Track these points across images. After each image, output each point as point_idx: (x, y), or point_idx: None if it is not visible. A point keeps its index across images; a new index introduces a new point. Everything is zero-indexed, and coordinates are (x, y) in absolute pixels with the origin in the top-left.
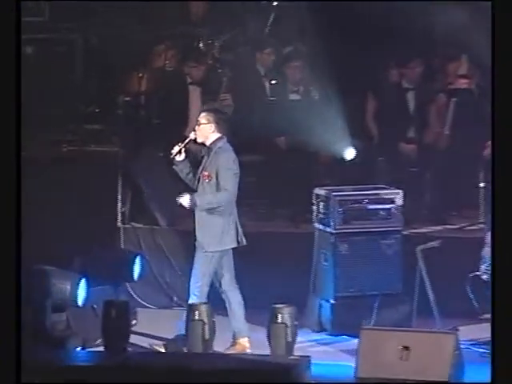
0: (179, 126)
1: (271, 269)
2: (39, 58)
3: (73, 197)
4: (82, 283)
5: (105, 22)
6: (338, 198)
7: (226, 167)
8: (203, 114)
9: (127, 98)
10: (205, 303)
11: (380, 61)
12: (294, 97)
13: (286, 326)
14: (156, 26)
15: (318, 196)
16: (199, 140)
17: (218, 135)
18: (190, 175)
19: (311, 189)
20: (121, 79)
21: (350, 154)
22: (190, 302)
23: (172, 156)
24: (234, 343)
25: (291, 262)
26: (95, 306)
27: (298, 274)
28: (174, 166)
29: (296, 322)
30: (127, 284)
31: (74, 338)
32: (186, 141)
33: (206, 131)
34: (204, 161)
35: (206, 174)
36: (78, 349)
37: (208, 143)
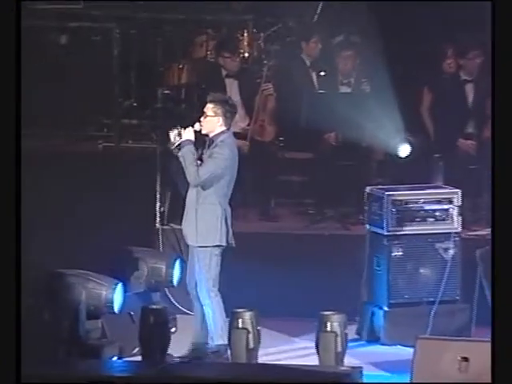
0: None
1: (319, 273)
2: (73, 48)
3: (108, 196)
4: (119, 288)
5: (143, 9)
6: (392, 198)
7: (216, 156)
8: (210, 106)
9: (167, 91)
10: (249, 310)
11: (437, 51)
12: (344, 89)
13: (336, 334)
14: (198, 14)
15: (370, 196)
16: (204, 131)
17: (223, 129)
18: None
19: (363, 188)
20: (160, 71)
21: (404, 150)
22: (207, 303)
23: (176, 145)
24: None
25: (341, 267)
26: (132, 313)
27: (348, 279)
28: (178, 154)
29: (346, 331)
30: (166, 289)
31: (109, 347)
32: (188, 129)
33: (212, 124)
34: (203, 151)
35: (199, 162)
36: (114, 358)
37: (211, 135)
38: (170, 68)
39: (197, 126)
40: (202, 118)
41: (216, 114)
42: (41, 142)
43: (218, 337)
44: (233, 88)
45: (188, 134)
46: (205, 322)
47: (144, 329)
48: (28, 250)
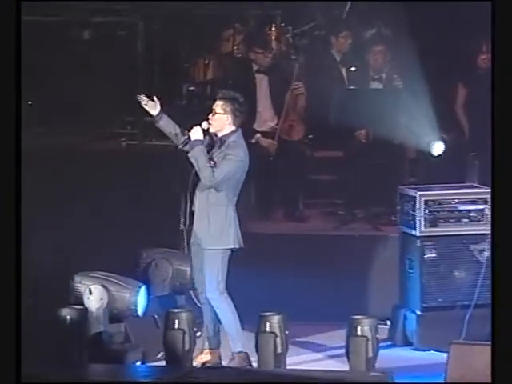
0: (248, 119)
1: (349, 276)
2: (96, 43)
3: (131, 196)
4: (142, 291)
5: (169, 3)
6: (425, 198)
7: (229, 158)
8: (220, 103)
9: (192, 88)
10: (278, 314)
11: (471, 46)
12: (375, 85)
13: (367, 339)
14: (224, 8)
15: (402, 196)
16: (212, 130)
17: (232, 128)
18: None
19: (395, 188)
20: (185, 67)
21: (438, 148)
22: (220, 307)
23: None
24: (201, 352)
25: (372, 269)
26: (156, 316)
27: (379, 281)
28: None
29: (378, 335)
30: (191, 292)
31: (133, 352)
32: (196, 128)
33: (221, 122)
34: (213, 151)
35: (212, 163)
36: (138, 363)
37: (220, 134)
38: (196, 64)
39: (204, 125)
40: (210, 116)
41: (225, 112)
42: (63, 140)
43: (235, 342)
44: (262, 84)
45: (196, 133)
46: (217, 326)
47: (168, 333)
48: (49, 251)
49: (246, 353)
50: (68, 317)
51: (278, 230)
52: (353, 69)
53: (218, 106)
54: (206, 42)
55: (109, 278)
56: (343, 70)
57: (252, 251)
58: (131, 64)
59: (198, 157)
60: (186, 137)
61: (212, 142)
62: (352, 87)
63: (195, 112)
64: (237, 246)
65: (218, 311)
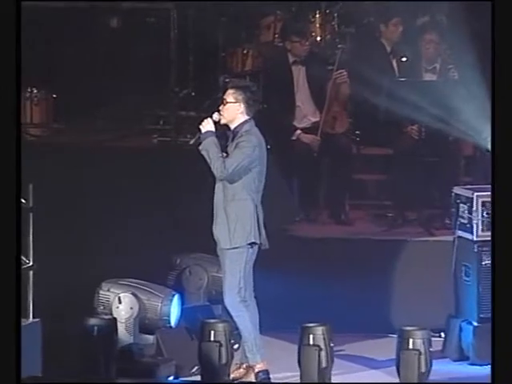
0: (288, 112)
1: (400, 284)
2: (125, 31)
3: (163, 196)
4: (175, 300)
5: None
6: (483, 199)
7: (242, 146)
8: (230, 92)
9: (229, 79)
10: (322, 325)
11: None
12: (428, 77)
13: (419, 352)
14: None
15: (457, 196)
16: (223, 121)
17: (245, 117)
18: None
19: (449, 188)
20: (222, 57)
21: None
22: (238, 314)
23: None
24: (239, 367)
25: (424, 276)
26: (190, 327)
27: (432, 290)
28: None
29: (431, 349)
30: None
31: (165, 365)
32: (207, 120)
33: (232, 112)
34: (226, 144)
35: (224, 154)
36: (170, 378)
37: (233, 126)
38: (233, 53)
39: (215, 116)
40: (221, 107)
41: (237, 101)
42: (90, 137)
43: (254, 354)
44: (300, 76)
45: (207, 125)
46: (257, 338)
47: (204, 345)
48: (74, 256)
49: (266, 370)
50: (95, 327)
51: (322, 233)
52: (404, 59)
53: (229, 94)
54: (245, 30)
55: (139, 285)
56: (393, 61)
57: (293, 256)
58: (163, 54)
59: (208, 148)
60: (198, 135)
61: (225, 136)
62: (403, 79)
63: None
64: (257, 242)
65: (236, 320)
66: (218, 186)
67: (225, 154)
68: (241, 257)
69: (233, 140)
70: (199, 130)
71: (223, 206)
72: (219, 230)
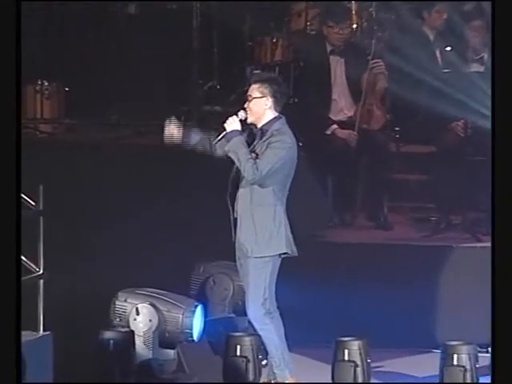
0: (323, 106)
1: (443, 294)
2: (144, 19)
3: (184, 199)
4: (198, 311)
5: None
6: None
7: (274, 147)
8: (255, 86)
9: (257, 71)
10: (358, 339)
11: None
12: (475, 68)
13: (465, 369)
14: None
15: None
16: (250, 120)
17: (274, 114)
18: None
19: None
20: (249, 46)
21: None
22: (262, 327)
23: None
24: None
25: (470, 286)
26: (214, 341)
27: (479, 301)
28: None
29: (478, 365)
30: None
31: (187, 382)
32: (232, 118)
33: (260, 107)
34: (254, 143)
35: (253, 155)
36: None
37: (261, 124)
38: (262, 42)
39: (241, 114)
40: (246, 104)
41: (263, 95)
42: (105, 134)
43: (282, 370)
44: (338, 67)
45: (233, 123)
46: (285, 352)
47: (229, 360)
48: (88, 264)
49: None
50: (111, 341)
51: (358, 238)
52: (448, 48)
53: (254, 89)
54: (274, 17)
55: (159, 295)
56: (437, 50)
57: (325, 263)
58: (185, 43)
59: (237, 149)
60: (221, 135)
61: (252, 135)
62: (447, 70)
63: None
64: (288, 252)
65: (261, 333)
66: (244, 191)
67: (254, 155)
68: (267, 265)
69: (261, 139)
70: (224, 130)
71: (250, 212)
72: (246, 238)
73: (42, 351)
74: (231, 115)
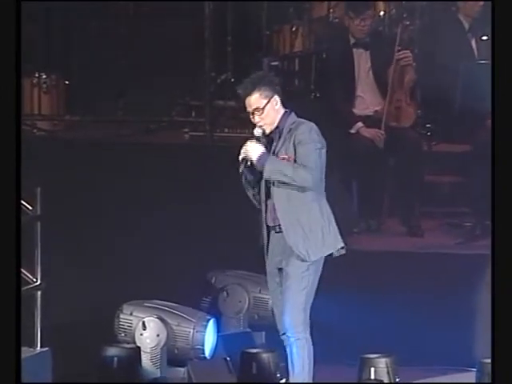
0: (347, 103)
1: (480, 306)
2: (152, 5)
3: (197, 202)
4: (211, 325)
5: None
6: None
7: (305, 140)
8: (256, 96)
9: (275, 63)
10: (386, 356)
11: None
12: None
13: None
14: None
15: None
16: (268, 130)
17: (283, 110)
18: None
19: None
20: (266, 35)
21: None
22: (299, 336)
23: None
24: None
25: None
26: (228, 358)
27: None
28: (243, 180)
29: None
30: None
31: None
32: (253, 142)
33: (272, 111)
34: (274, 146)
35: (283, 156)
36: None
37: (274, 126)
38: (280, 31)
39: (257, 132)
40: (256, 119)
41: (269, 98)
42: (110, 131)
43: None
44: (362, 61)
45: (254, 150)
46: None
47: (244, 379)
48: (90, 273)
49: None
50: (115, 358)
51: (385, 246)
52: (485, 38)
53: (257, 99)
54: (294, 3)
55: (167, 308)
56: (472, 40)
57: (350, 273)
58: (196, 32)
59: (278, 168)
60: (243, 165)
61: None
62: (483, 61)
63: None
64: (342, 245)
65: (294, 351)
66: (279, 196)
67: (286, 156)
68: (313, 268)
69: (280, 137)
70: (245, 162)
71: (293, 215)
72: (296, 244)
73: (39, 369)
74: (244, 143)
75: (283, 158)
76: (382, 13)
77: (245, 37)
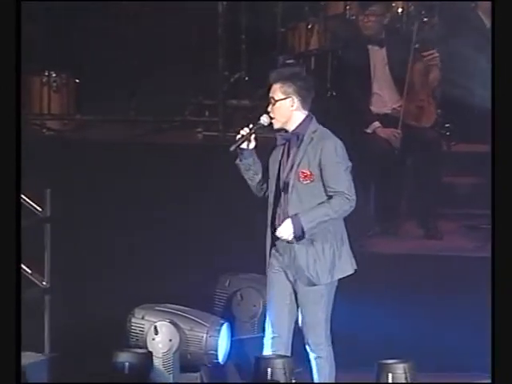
0: (363, 101)
1: None
2: (164, 3)
3: (208, 203)
4: (224, 330)
5: None
6: None
7: (333, 160)
8: (277, 86)
9: (290, 61)
10: (404, 361)
11: None
12: None
13: None
14: None
15: None
16: (277, 125)
17: (304, 113)
18: (258, 176)
19: None
20: (281, 33)
21: None
22: (323, 356)
23: (236, 145)
24: None
25: None
26: (241, 364)
27: None
28: (237, 161)
29: None
30: None
31: None
32: (256, 126)
33: (285, 110)
34: (293, 153)
35: (304, 172)
36: None
37: (292, 128)
38: (295, 29)
39: (264, 120)
40: (269, 108)
41: (287, 95)
42: (121, 131)
43: None
44: (378, 58)
45: (286, 226)
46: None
47: None
48: (101, 276)
49: None
50: (126, 364)
51: (402, 249)
52: None
53: (277, 90)
54: (309, 1)
55: (180, 312)
56: None
57: (366, 275)
58: (209, 30)
59: (315, 220)
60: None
61: (286, 141)
62: None
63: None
64: (355, 269)
65: (318, 362)
66: (297, 206)
67: (304, 171)
68: (334, 286)
69: (300, 145)
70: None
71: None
72: (307, 266)
73: (47, 375)
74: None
75: (304, 174)
76: (399, 10)
77: (259, 35)
